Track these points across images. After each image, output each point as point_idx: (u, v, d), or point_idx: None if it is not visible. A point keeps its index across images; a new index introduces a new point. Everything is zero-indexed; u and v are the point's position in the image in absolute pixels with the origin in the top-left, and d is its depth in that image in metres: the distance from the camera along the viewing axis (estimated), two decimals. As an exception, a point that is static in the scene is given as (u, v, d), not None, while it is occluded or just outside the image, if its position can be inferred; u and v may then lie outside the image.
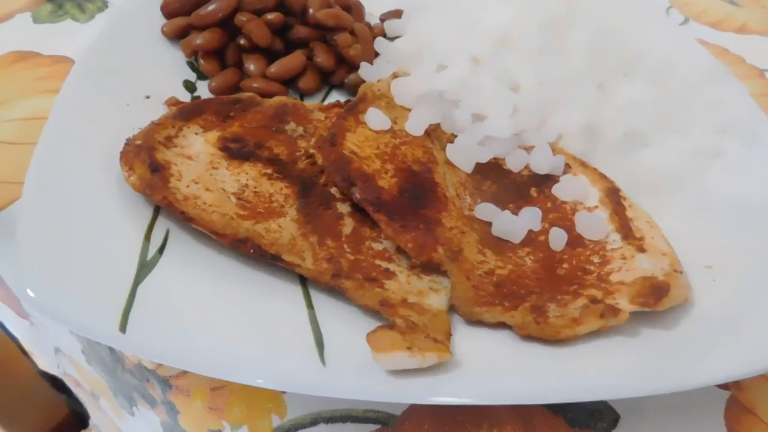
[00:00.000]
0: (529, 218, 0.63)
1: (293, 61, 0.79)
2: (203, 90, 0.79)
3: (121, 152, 0.62)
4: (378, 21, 0.94)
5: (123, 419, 0.79)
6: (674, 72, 0.85)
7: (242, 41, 0.80)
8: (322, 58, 0.80)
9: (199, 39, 0.79)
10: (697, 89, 0.83)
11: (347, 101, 0.75)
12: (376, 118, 0.69)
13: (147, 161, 0.61)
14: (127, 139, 0.64)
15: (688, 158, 0.75)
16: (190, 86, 0.79)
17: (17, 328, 0.93)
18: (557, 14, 0.82)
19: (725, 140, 0.77)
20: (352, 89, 0.80)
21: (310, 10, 0.83)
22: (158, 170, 0.61)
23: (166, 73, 0.79)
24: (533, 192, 0.67)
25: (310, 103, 0.77)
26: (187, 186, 0.61)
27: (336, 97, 0.82)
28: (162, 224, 0.60)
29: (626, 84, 0.81)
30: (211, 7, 0.80)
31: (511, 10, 0.80)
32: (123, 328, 0.48)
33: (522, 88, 0.75)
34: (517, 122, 0.72)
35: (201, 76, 0.80)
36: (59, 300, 0.50)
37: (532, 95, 0.74)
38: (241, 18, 0.79)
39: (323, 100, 0.81)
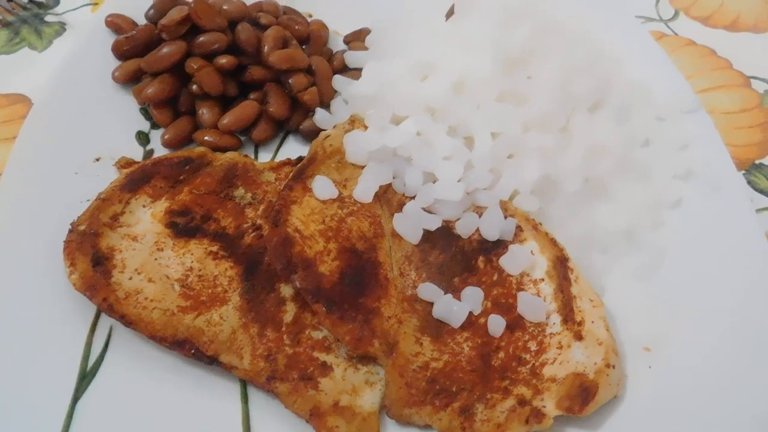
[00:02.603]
0: (470, 301, 0.63)
1: (246, 111, 0.77)
2: (156, 139, 0.78)
3: (64, 243, 0.63)
4: (341, 39, 0.92)
5: None
6: (643, 102, 0.83)
7: (194, 87, 0.78)
8: (275, 107, 0.78)
9: (150, 89, 0.77)
10: (664, 125, 0.81)
11: (298, 159, 0.74)
12: (323, 187, 0.68)
13: (90, 253, 0.62)
14: (71, 224, 0.64)
15: (645, 210, 0.73)
16: (143, 138, 0.78)
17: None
18: (521, 51, 0.78)
19: (685, 187, 0.75)
20: (309, 135, 0.79)
21: (265, 48, 0.80)
22: (101, 263, 0.61)
23: (119, 124, 0.78)
24: (480, 262, 0.67)
25: (262, 160, 0.76)
26: (130, 278, 0.62)
27: (291, 142, 0.81)
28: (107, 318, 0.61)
29: (590, 122, 0.78)
30: (162, 52, 0.78)
31: (469, 52, 0.76)
32: (58, 456, 0.51)
33: (477, 141, 0.73)
34: (469, 182, 0.71)
35: (154, 124, 0.79)
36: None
37: (486, 149, 0.72)
38: (192, 65, 0.77)
39: (278, 146, 0.80)
